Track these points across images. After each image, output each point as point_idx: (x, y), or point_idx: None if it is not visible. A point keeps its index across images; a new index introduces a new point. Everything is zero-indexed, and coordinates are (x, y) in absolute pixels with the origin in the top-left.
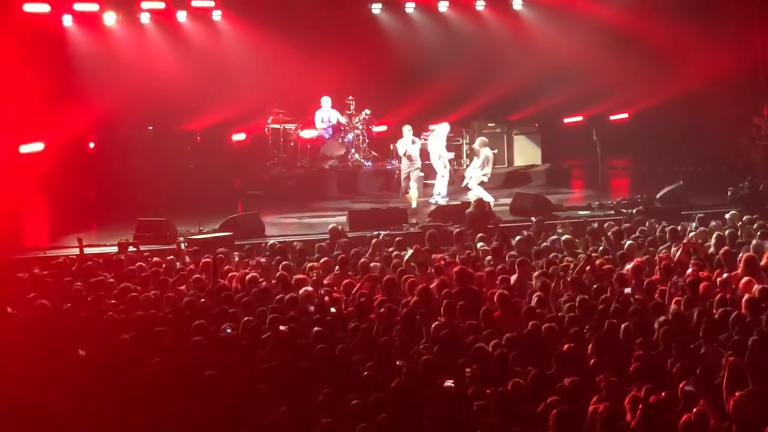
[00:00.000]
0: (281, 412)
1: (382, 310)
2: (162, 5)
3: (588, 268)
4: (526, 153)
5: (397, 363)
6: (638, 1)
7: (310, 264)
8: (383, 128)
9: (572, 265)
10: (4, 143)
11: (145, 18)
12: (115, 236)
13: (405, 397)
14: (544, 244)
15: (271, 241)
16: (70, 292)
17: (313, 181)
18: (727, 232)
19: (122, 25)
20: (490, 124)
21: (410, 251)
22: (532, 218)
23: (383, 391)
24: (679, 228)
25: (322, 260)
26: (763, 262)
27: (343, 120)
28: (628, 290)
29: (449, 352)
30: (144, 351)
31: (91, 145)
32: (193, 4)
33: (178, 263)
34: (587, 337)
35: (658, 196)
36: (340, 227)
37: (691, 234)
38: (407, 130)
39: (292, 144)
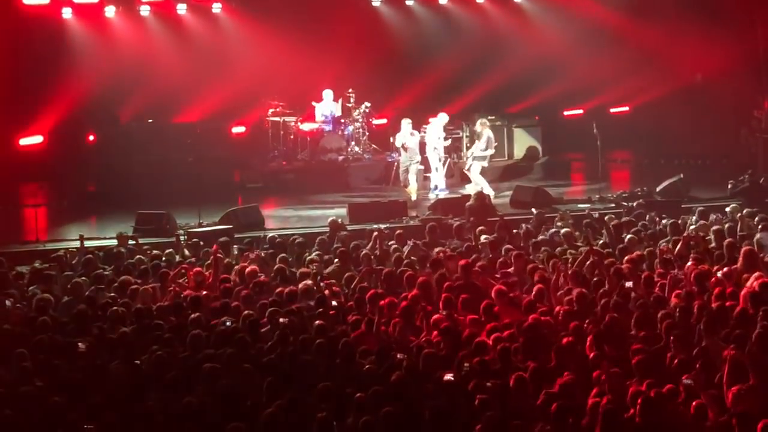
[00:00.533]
0: (280, 405)
1: (383, 303)
2: None
3: (588, 261)
4: (526, 146)
5: (398, 356)
6: None
7: (310, 257)
8: (383, 121)
9: (572, 258)
10: (4, 136)
11: (144, 10)
12: (114, 229)
13: (405, 390)
14: (542, 236)
15: (271, 234)
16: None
17: (313, 174)
18: (727, 226)
19: (122, 18)
20: (490, 117)
21: (409, 245)
22: (533, 210)
23: (384, 384)
24: (679, 221)
25: (316, 253)
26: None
27: (338, 113)
28: (629, 284)
29: (449, 345)
30: (143, 344)
31: (91, 137)
32: None
33: (177, 256)
34: (587, 330)
35: (658, 189)
36: (339, 220)
37: (692, 227)
38: (406, 122)
39: (291, 137)
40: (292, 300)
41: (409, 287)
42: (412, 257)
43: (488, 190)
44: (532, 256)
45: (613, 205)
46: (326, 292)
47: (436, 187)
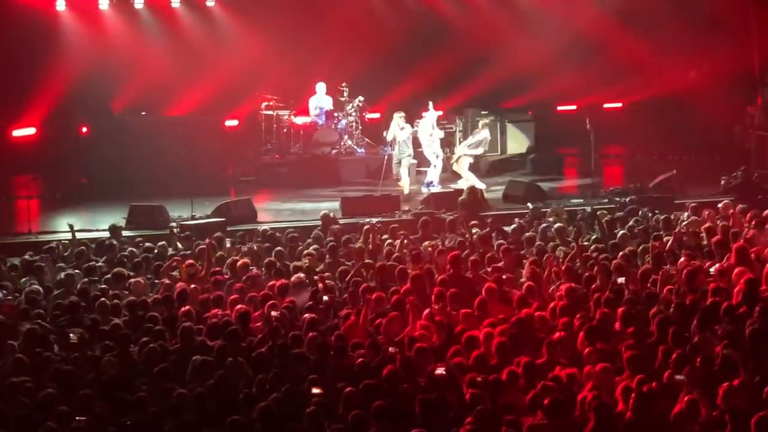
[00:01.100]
0: (273, 399)
1: (373, 296)
2: None
3: (580, 256)
4: (519, 141)
5: (390, 350)
6: None
7: (306, 251)
8: (376, 115)
9: (564, 253)
10: None
11: (138, 3)
12: (107, 221)
13: (397, 384)
14: (533, 232)
15: (264, 227)
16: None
17: (306, 168)
18: (719, 222)
19: (116, 10)
20: (483, 112)
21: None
22: (528, 205)
23: (375, 378)
24: (672, 217)
25: (313, 247)
26: None
27: (330, 106)
28: (621, 280)
29: (441, 339)
30: (135, 336)
31: (84, 129)
32: None
33: (170, 249)
34: (579, 326)
35: (651, 184)
36: (331, 214)
37: (684, 223)
38: (397, 116)
39: (284, 130)
40: (284, 293)
41: (401, 281)
42: (404, 251)
43: (479, 185)
44: (525, 251)
45: (605, 200)
46: (319, 285)
47: (430, 183)
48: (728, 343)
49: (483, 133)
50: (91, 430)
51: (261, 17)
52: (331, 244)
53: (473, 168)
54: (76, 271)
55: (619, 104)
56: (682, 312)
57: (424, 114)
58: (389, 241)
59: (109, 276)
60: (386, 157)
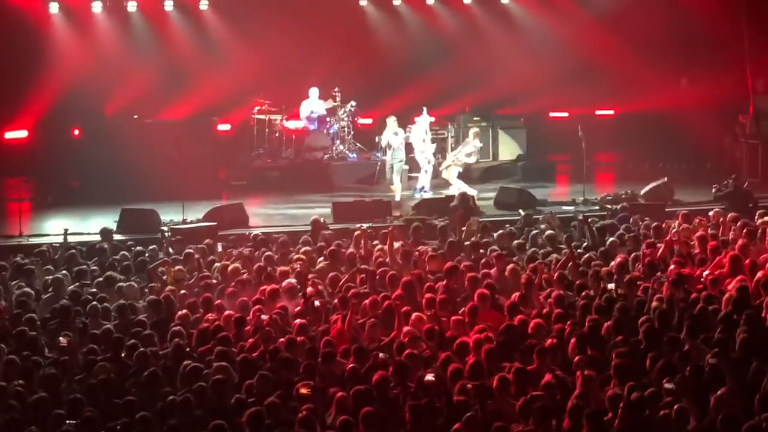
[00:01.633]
0: (264, 404)
1: (366, 302)
2: None
3: (571, 263)
4: (511, 147)
5: (380, 356)
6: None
7: (297, 256)
8: (368, 120)
9: (555, 261)
10: None
11: (131, 6)
12: (98, 224)
13: (387, 390)
14: (524, 238)
15: (255, 232)
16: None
17: (298, 172)
18: (710, 230)
19: (108, 13)
20: (475, 118)
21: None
22: (520, 211)
23: (365, 383)
24: (663, 225)
25: (303, 250)
26: None
27: (323, 111)
28: (611, 286)
29: (432, 346)
30: (125, 340)
31: (76, 132)
32: None
33: (161, 253)
34: (569, 333)
35: (642, 192)
36: (322, 219)
37: (675, 231)
38: (391, 120)
39: (276, 135)
40: (274, 298)
41: (392, 287)
42: (395, 257)
43: (470, 191)
44: (516, 257)
45: (597, 207)
46: (310, 290)
47: (422, 188)
48: (718, 351)
49: (474, 143)
50: None
51: (253, 22)
52: (323, 249)
53: (463, 175)
54: (64, 272)
55: (611, 112)
56: (672, 320)
57: (416, 119)
58: (380, 246)
59: (100, 279)
60: (379, 162)
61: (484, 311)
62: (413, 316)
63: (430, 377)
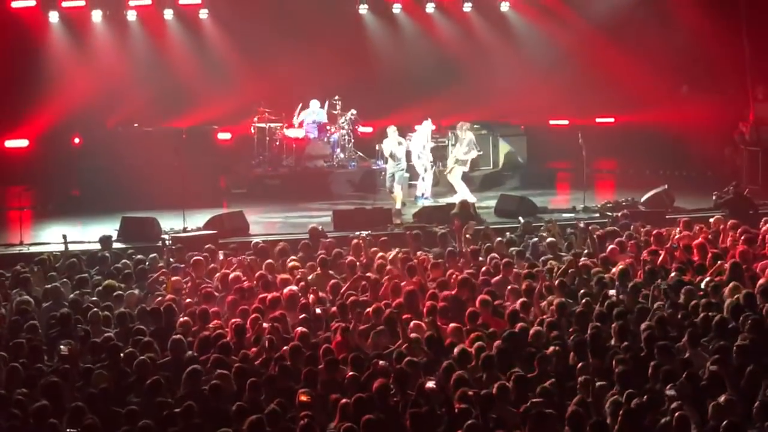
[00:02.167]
0: (264, 412)
1: (367, 310)
2: (149, 1)
3: (572, 270)
4: (510, 155)
5: (380, 363)
6: (623, 9)
7: (293, 263)
8: (369, 129)
9: (556, 268)
10: None
11: (131, 15)
12: (99, 233)
13: (387, 397)
14: (524, 246)
15: (255, 240)
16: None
17: (298, 181)
18: (710, 237)
19: (108, 22)
20: (475, 126)
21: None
22: (520, 219)
23: (366, 391)
24: (663, 232)
25: (300, 257)
26: None
27: (324, 120)
28: (612, 293)
29: (432, 353)
30: (126, 348)
31: (76, 140)
32: (180, 1)
33: (161, 261)
34: (570, 340)
35: (642, 199)
36: (320, 227)
37: (676, 238)
38: (392, 130)
39: (277, 143)
40: (275, 306)
41: (393, 295)
42: (397, 265)
43: (470, 198)
44: (516, 265)
45: (597, 214)
46: (310, 298)
47: (422, 195)
48: (719, 358)
49: (467, 137)
50: None
51: (254, 30)
52: (322, 257)
53: (466, 181)
54: (64, 280)
55: (611, 119)
56: (673, 327)
57: (417, 127)
58: (381, 254)
59: (100, 288)
60: (380, 170)
61: (485, 318)
62: (412, 324)
63: (431, 385)
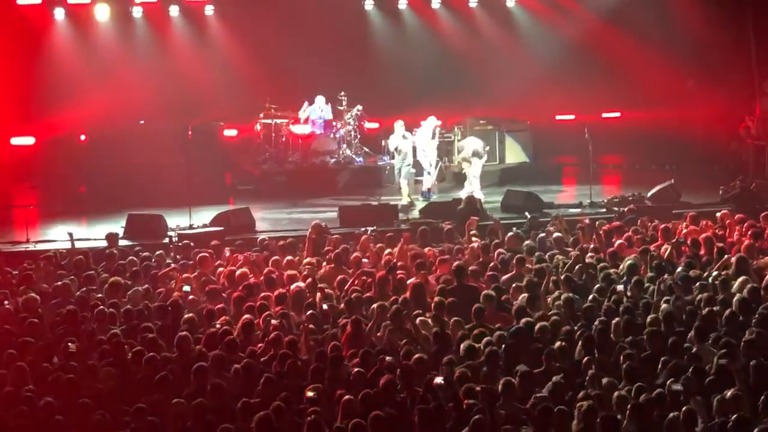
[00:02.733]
0: (272, 408)
1: (373, 306)
2: None
3: (578, 266)
4: (517, 150)
5: (387, 359)
6: (629, 3)
7: (306, 260)
8: (375, 125)
9: (562, 263)
10: None
11: (137, 12)
12: (105, 230)
13: (395, 393)
14: (531, 241)
15: (262, 237)
16: (60, 286)
17: (304, 177)
18: (717, 232)
19: (114, 19)
20: (481, 121)
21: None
22: (526, 214)
23: (373, 387)
24: (670, 226)
25: (305, 253)
26: None
27: (330, 116)
28: (619, 288)
29: (439, 349)
30: (132, 345)
31: (83, 137)
32: None
33: (168, 258)
34: (577, 335)
35: (649, 194)
36: (323, 224)
37: (683, 233)
38: (399, 125)
39: (283, 139)
40: (282, 302)
41: (400, 291)
42: (404, 260)
43: (478, 194)
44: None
45: (604, 210)
46: (318, 294)
47: (428, 191)
48: (726, 353)
49: (467, 145)
50: None
51: (259, 26)
52: (331, 252)
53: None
54: (72, 277)
55: (618, 114)
56: (680, 322)
57: (422, 122)
58: (388, 250)
59: (106, 285)
60: (387, 166)
61: (491, 313)
62: (418, 320)
63: (439, 380)
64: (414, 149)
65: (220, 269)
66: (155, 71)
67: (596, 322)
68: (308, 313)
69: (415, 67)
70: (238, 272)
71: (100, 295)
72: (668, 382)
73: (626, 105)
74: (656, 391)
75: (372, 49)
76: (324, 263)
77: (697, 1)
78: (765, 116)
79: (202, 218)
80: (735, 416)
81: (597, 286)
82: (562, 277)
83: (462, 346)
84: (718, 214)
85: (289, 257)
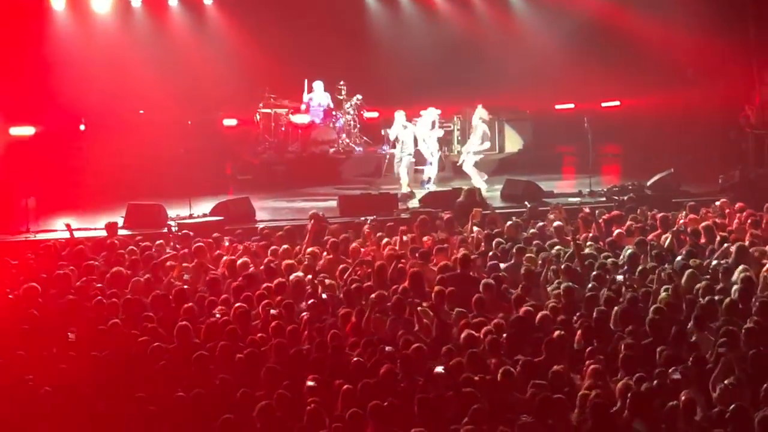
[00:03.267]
0: (273, 397)
1: (373, 295)
2: None
3: (578, 255)
4: (517, 139)
5: (387, 349)
6: None
7: (309, 249)
8: (374, 114)
9: (562, 252)
10: None
11: (136, 1)
12: (105, 220)
13: (395, 383)
14: (532, 230)
15: (261, 226)
16: (59, 276)
17: (304, 166)
18: (717, 221)
19: (114, 8)
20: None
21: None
22: (526, 203)
23: (373, 376)
24: (669, 215)
25: (305, 242)
26: None
27: (330, 103)
28: (619, 277)
29: (439, 338)
30: (133, 335)
31: (82, 127)
32: None
33: (167, 248)
34: (577, 324)
35: (648, 183)
36: (321, 213)
37: (682, 222)
38: (400, 114)
39: (282, 129)
40: (281, 292)
41: (399, 280)
42: (403, 249)
43: (479, 184)
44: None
45: (603, 199)
46: (318, 284)
47: (429, 180)
48: (725, 341)
49: (481, 127)
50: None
51: (257, 16)
52: (331, 241)
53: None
54: (71, 267)
55: (617, 103)
56: (679, 311)
57: (422, 112)
58: (387, 239)
59: (107, 275)
60: (386, 155)
61: (490, 303)
62: (419, 309)
63: (439, 370)
64: (415, 139)
65: (222, 259)
66: (155, 61)
67: (596, 312)
68: (309, 302)
69: (415, 56)
70: (238, 262)
71: (99, 285)
72: (668, 371)
73: (625, 94)
74: (656, 380)
75: (371, 38)
76: (325, 253)
77: None
78: (764, 105)
79: (201, 208)
80: (734, 405)
81: (596, 274)
82: (562, 267)
83: (462, 335)
84: (717, 203)
85: (288, 246)
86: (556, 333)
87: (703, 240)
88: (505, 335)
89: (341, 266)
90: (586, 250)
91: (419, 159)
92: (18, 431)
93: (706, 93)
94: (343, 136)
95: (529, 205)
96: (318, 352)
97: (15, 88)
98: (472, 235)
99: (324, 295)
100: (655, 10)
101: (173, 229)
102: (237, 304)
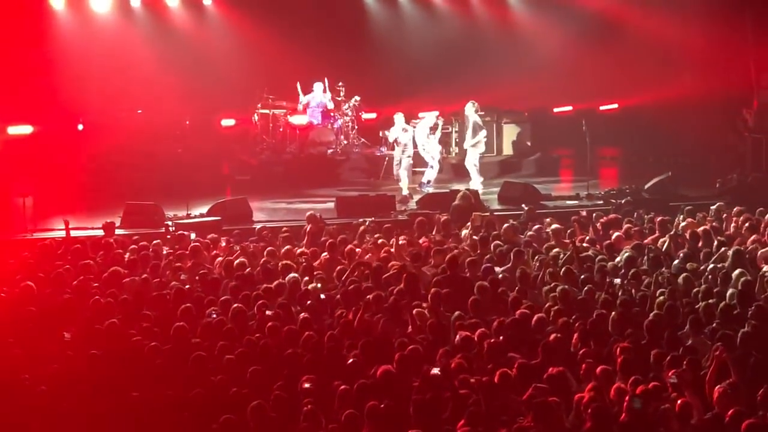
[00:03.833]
0: (268, 398)
1: (369, 297)
2: None
3: (576, 258)
4: (515, 142)
5: (433, 371)
6: None
7: (300, 250)
8: (373, 115)
9: (560, 255)
10: None
11: (135, 1)
12: (102, 219)
13: (391, 384)
14: (530, 233)
15: (259, 227)
16: (55, 275)
17: (302, 167)
18: (713, 224)
19: (113, 8)
20: (480, 113)
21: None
22: (523, 206)
23: (369, 377)
24: (668, 219)
25: (303, 243)
26: None
27: (329, 103)
28: (616, 281)
29: (435, 340)
30: (129, 335)
31: (80, 126)
32: None
33: (165, 248)
34: (574, 327)
35: (646, 186)
36: (318, 214)
37: (679, 225)
38: (399, 117)
39: (280, 130)
40: (278, 293)
41: (396, 282)
42: (400, 252)
43: (477, 186)
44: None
45: (601, 202)
46: (315, 285)
47: (428, 182)
48: (722, 345)
49: (471, 118)
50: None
51: (258, 16)
52: (329, 242)
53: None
54: (68, 267)
55: (615, 106)
56: (676, 314)
57: (421, 114)
58: (383, 241)
59: (104, 274)
60: (385, 157)
61: (486, 305)
62: (415, 311)
63: (435, 371)
64: (414, 141)
65: (218, 259)
66: (153, 61)
67: (593, 315)
68: (304, 303)
69: (413, 57)
70: (235, 262)
71: (96, 285)
72: (664, 374)
73: (624, 97)
74: (652, 384)
75: (370, 39)
76: (323, 254)
77: None
78: (762, 109)
79: (199, 208)
80: (731, 410)
81: (593, 277)
82: (559, 269)
83: (458, 337)
84: (713, 207)
85: (287, 247)
86: (553, 336)
87: (699, 244)
88: (501, 337)
89: (338, 267)
90: (584, 254)
91: (418, 161)
92: (14, 430)
93: (704, 97)
94: (341, 137)
95: (526, 208)
96: (314, 353)
97: (13, 86)
98: (469, 238)
99: (322, 296)
100: (655, 13)
101: (170, 228)
102: (233, 305)
